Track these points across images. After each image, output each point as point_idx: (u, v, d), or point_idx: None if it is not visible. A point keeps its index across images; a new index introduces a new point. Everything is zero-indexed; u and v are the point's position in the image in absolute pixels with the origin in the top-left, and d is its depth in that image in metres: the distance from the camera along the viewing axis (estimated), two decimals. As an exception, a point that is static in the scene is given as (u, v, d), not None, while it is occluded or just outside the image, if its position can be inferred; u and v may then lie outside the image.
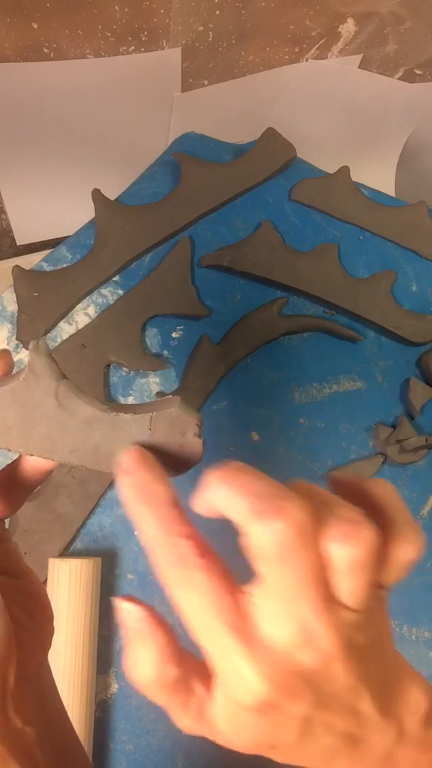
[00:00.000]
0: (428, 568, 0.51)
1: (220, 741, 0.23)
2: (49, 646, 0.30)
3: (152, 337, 0.54)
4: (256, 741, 0.23)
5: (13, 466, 0.28)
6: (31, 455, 0.26)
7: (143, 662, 0.24)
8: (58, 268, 0.54)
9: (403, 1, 0.58)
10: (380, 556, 0.22)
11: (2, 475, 0.28)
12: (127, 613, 0.25)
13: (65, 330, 0.53)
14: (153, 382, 0.53)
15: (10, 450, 0.26)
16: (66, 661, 0.43)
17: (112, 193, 0.57)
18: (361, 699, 0.22)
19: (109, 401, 0.51)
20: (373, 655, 0.22)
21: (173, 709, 0.25)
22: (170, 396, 0.27)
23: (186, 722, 0.25)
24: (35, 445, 0.26)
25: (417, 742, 0.23)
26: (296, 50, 0.62)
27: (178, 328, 0.54)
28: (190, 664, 0.24)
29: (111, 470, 0.26)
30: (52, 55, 0.55)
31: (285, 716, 0.22)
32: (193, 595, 0.23)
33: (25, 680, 0.26)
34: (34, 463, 0.27)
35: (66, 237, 0.56)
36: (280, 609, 0.21)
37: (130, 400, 0.52)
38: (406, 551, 0.24)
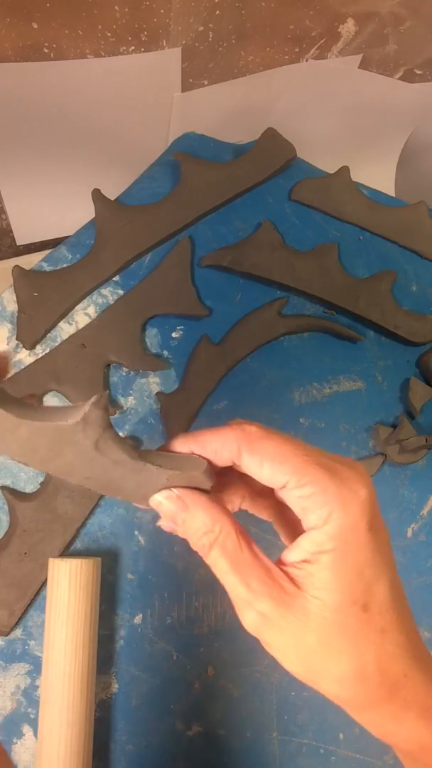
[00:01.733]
0: (428, 568, 0.51)
1: None
2: None
3: (152, 337, 0.54)
4: None
5: None
6: (45, 472, 0.27)
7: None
8: (58, 268, 0.54)
9: (403, 1, 0.58)
10: None
11: None
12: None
13: (65, 330, 0.53)
14: (153, 382, 0.53)
15: (24, 464, 0.28)
16: (66, 661, 0.43)
17: (112, 193, 0.57)
18: None
19: (109, 401, 0.51)
20: None
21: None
22: (197, 457, 0.28)
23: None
24: (54, 466, 0.27)
25: None
26: (296, 50, 0.62)
27: (178, 328, 0.54)
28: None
29: (119, 497, 0.29)
30: (52, 55, 0.55)
31: None
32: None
33: None
34: None
35: (66, 237, 0.56)
36: None
37: (130, 400, 0.52)
38: None
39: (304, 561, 0.25)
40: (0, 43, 0.52)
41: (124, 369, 0.53)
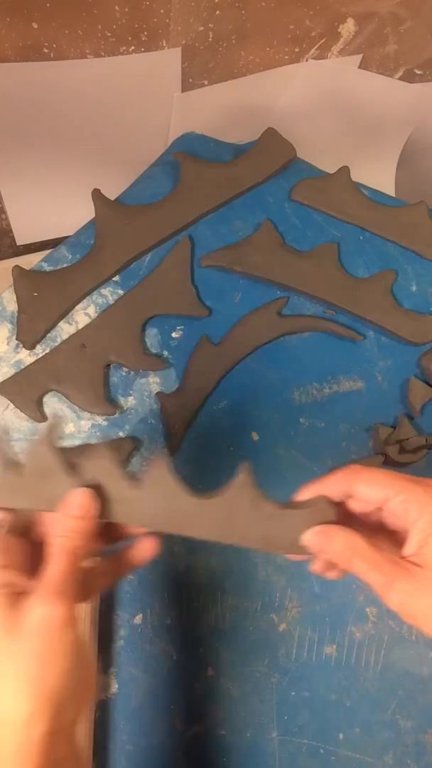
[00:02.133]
0: (428, 568, 0.51)
1: None
2: None
3: (152, 337, 0.54)
4: None
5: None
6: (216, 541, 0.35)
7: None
8: (58, 268, 0.54)
9: (403, 1, 0.58)
10: None
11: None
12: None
13: (65, 330, 0.53)
14: (153, 382, 0.53)
15: (198, 538, 0.35)
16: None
17: (112, 193, 0.57)
18: None
19: (109, 401, 0.51)
20: None
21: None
22: (321, 497, 0.36)
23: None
24: (225, 534, 0.35)
25: None
26: (296, 50, 0.62)
27: (178, 328, 0.54)
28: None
29: (272, 550, 0.36)
30: (52, 55, 0.55)
31: None
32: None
33: None
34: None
35: (66, 237, 0.56)
36: None
37: (130, 400, 0.52)
38: None
39: (419, 548, 0.33)
40: (0, 43, 0.52)
41: (124, 369, 0.53)
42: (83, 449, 0.50)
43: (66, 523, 0.32)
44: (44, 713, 0.29)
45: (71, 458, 0.38)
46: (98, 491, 0.33)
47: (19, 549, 0.33)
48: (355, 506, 0.37)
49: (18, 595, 0.31)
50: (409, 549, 0.34)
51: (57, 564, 0.32)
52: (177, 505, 0.34)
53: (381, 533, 0.37)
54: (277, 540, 0.35)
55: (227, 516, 0.35)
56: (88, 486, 0.33)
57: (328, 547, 0.34)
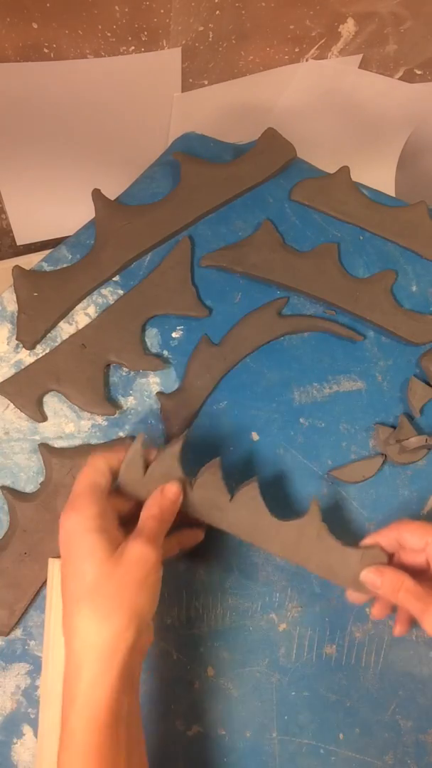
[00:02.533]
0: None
1: None
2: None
3: (152, 337, 0.54)
4: None
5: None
6: (277, 555, 0.44)
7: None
8: (58, 268, 0.54)
9: (403, 1, 0.58)
10: None
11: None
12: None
13: (65, 330, 0.53)
14: (153, 382, 0.53)
15: (278, 556, 0.45)
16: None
17: (112, 193, 0.57)
18: None
19: (109, 401, 0.51)
20: None
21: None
22: (375, 545, 0.45)
23: None
24: (297, 556, 0.44)
25: None
26: (296, 50, 0.62)
27: (178, 328, 0.54)
28: None
29: (335, 581, 0.44)
30: (52, 55, 0.55)
31: None
32: None
33: None
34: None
35: (66, 237, 0.56)
36: None
37: (130, 400, 0.52)
38: None
39: None
40: (0, 43, 0.52)
41: (124, 369, 0.53)
42: (83, 449, 0.50)
43: (162, 500, 0.41)
44: (132, 629, 0.36)
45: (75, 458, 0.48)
46: (199, 493, 0.43)
47: (116, 508, 0.41)
48: (406, 557, 0.45)
49: (114, 539, 0.38)
50: None
51: (151, 521, 0.40)
52: (259, 521, 0.44)
53: (428, 578, 0.44)
54: (336, 571, 0.44)
55: (296, 541, 0.44)
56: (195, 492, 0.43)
57: (381, 581, 0.42)
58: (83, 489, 0.40)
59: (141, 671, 0.39)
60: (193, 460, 0.51)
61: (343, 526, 0.51)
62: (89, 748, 0.35)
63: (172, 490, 0.42)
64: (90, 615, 0.36)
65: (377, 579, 0.42)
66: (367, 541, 0.45)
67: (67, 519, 0.39)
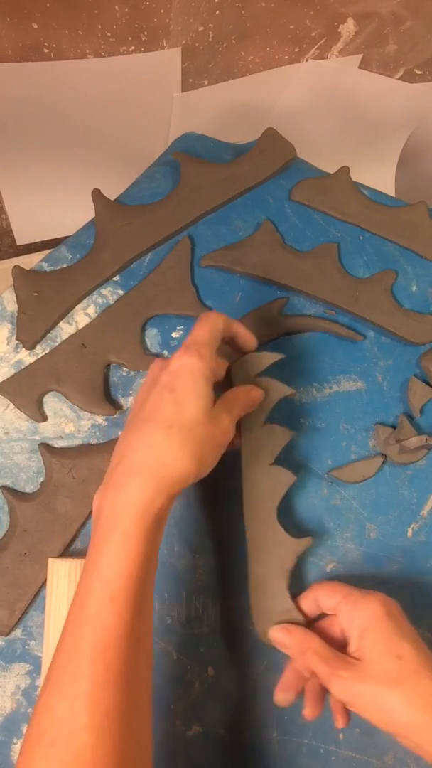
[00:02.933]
0: (428, 568, 0.51)
1: None
2: None
3: (152, 337, 0.54)
4: None
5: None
6: None
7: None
8: (58, 268, 0.54)
9: (403, 1, 0.58)
10: None
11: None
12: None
13: (65, 330, 0.53)
14: (153, 382, 0.53)
15: None
16: (66, 661, 0.43)
17: (112, 193, 0.57)
18: None
19: (109, 401, 0.51)
20: None
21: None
22: (295, 610, 0.45)
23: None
24: None
25: None
26: (296, 50, 0.62)
27: (178, 328, 0.54)
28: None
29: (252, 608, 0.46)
30: (52, 55, 0.55)
31: None
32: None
33: None
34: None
35: (66, 237, 0.56)
36: None
37: (130, 400, 0.52)
38: None
39: (358, 643, 0.41)
40: (0, 43, 0.52)
41: (124, 369, 0.53)
42: (83, 449, 0.50)
43: (216, 321, 0.43)
44: (192, 478, 0.38)
45: (71, 457, 0.47)
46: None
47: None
48: (329, 628, 0.44)
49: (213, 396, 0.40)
50: (351, 647, 0.41)
51: (201, 332, 0.41)
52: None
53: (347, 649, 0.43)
54: (261, 611, 0.45)
55: (258, 535, 0.47)
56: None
57: (289, 641, 0.43)
58: (206, 339, 0.41)
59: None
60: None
61: (343, 526, 0.51)
62: (119, 592, 0.35)
63: (258, 393, 0.45)
64: (179, 445, 0.37)
65: (285, 638, 0.43)
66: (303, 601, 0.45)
67: (190, 358, 0.40)
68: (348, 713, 0.43)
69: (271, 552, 0.46)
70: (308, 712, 0.43)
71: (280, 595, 0.45)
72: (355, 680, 0.39)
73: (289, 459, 0.52)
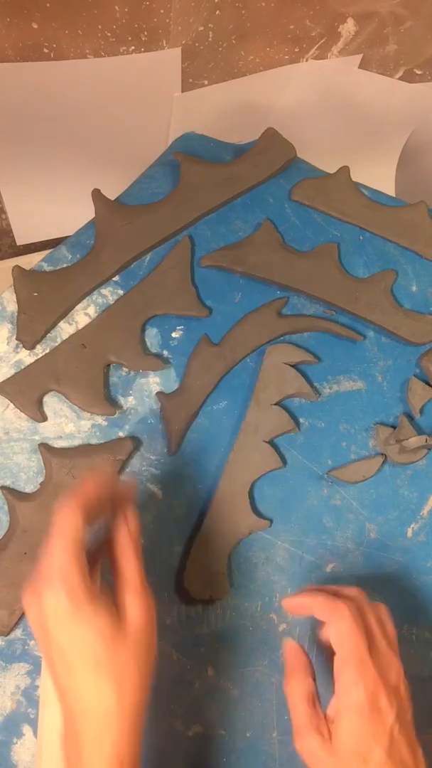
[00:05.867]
0: (428, 567, 0.51)
1: None
2: None
3: (152, 337, 0.54)
4: None
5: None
6: None
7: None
8: (58, 268, 0.54)
9: (403, 1, 0.58)
10: None
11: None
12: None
13: (65, 330, 0.53)
14: (153, 382, 0.53)
15: None
16: (66, 661, 0.43)
17: (112, 193, 0.57)
18: None
19: (109, 401, 0.51)
20: None
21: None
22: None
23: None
24: None
25: None
26: (296, 50, 0.62)
27: (178, 328, 0.54)
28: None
29: None
30: (52, 55, 0.55)
31: None
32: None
33: None
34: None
35: (66, 237, 0.56)
36: None
37: (130, 400, 0.52)
38: None
39: (336, 714, 0.38)
40: (0, 43, 0.52)
41: (124, 369, 0.53)
42: (83, 449, 0.50)
43: (129, 531, 0.37)
44: (146, 689, 0.35)
45: (71, 458, 0.46)
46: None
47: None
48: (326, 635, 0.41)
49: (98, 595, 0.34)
50: (329, 709, 0.39)
51: (132, 564, 0.37)
52: None
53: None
54: (195, 563, 0.47)
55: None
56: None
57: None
58: (61, 559, 0.34)
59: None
60: (192, 461, 0.51)
61: (343, 526, 0.51)
62: None
63: (133, 515, 0.38)
64: (104, 684, 0.33)
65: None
66: (286, 601, 0.44)
67: (45, 599, 0.33)
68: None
69: (229, 516, 0.49)
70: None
71: (219, 557, 0.48)
72: (321, 749, 0.37)
73: (289, 458, 0.52)
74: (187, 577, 0.47)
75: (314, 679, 0.40)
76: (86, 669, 0.33)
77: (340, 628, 0.39)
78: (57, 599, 0.33)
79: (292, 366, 0.52)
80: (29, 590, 0.35)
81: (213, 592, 0.48)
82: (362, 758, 0.37)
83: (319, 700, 0.39)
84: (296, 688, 0.40)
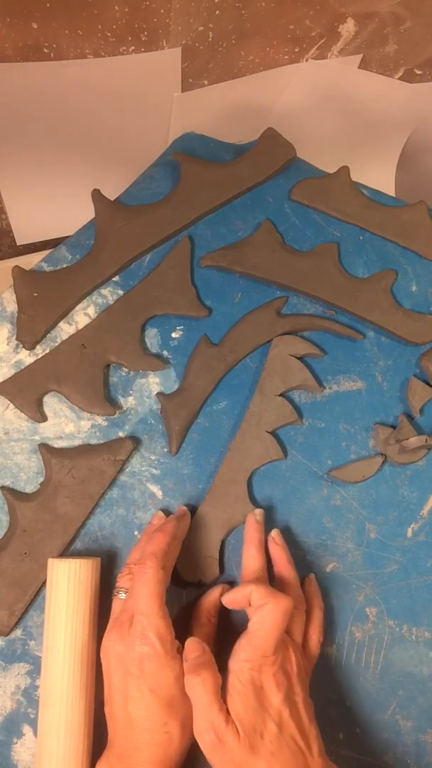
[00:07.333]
0: (428, 568, 0.51)
1: None
2: None
3: (152, 337, 0.54)
4: None
5: None
6: None
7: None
8: (58, 268, 0.54)
9: (403, 1, 0.58)
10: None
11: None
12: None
13: (65, 330, 0.53)
14: (153, 382, 0.53)
15: None
16: (66, 661, 0.43)
17: (112, 193, 0.57)
18: None
19: (109, 401, 0.51)
20: None
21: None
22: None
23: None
24: None
25: None
26: (296, 50, 0.62)
27: (178, 328, 0.54)
28: None
29: None
30: (52, 55, 0.55)
31: None
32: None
33: None
34: None
35: (66, 237, 0.56)
36: None
37: (130, 400, 0.52)
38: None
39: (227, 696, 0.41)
40: (0, 43, 0.52)
41: (124, 369, 0.53)
42: (83, 449, 0.50)
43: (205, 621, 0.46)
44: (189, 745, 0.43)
45: (70, 458, 0.47)
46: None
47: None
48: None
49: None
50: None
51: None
52: None
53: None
54: (190, 545, 0.49)
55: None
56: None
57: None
58: (152, 612, 0.41)
59: None
60: (192, 461, 0.51)
61: (343, 526, 0.51)
62: None
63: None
64: (173, 725, 0.41)
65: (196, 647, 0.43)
66: (225, 597, 0.45)
67: (141, 646, 0.41)
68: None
69: (224, 501, 0.50)
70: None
71: (213, 542, 0.49)
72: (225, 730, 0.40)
73: (289, 458, 0.52)
74: (178, 558, 0.47)
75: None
76: (160, 708, 0.40)
77: (271, 610, 0.41)
78: (145, 649, 0.40)
79: (298, 358, 0.53)
80: (115, 636, 0.42)
81: (203, 575, 0.48)
82: (259, 733, 0.40)
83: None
84: (206, 682, 0.41)
